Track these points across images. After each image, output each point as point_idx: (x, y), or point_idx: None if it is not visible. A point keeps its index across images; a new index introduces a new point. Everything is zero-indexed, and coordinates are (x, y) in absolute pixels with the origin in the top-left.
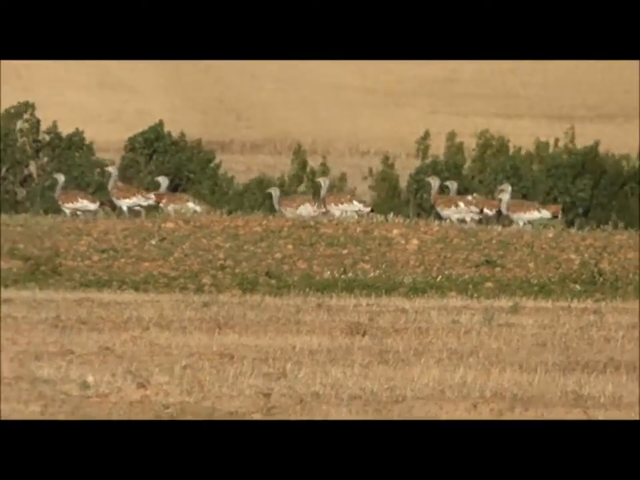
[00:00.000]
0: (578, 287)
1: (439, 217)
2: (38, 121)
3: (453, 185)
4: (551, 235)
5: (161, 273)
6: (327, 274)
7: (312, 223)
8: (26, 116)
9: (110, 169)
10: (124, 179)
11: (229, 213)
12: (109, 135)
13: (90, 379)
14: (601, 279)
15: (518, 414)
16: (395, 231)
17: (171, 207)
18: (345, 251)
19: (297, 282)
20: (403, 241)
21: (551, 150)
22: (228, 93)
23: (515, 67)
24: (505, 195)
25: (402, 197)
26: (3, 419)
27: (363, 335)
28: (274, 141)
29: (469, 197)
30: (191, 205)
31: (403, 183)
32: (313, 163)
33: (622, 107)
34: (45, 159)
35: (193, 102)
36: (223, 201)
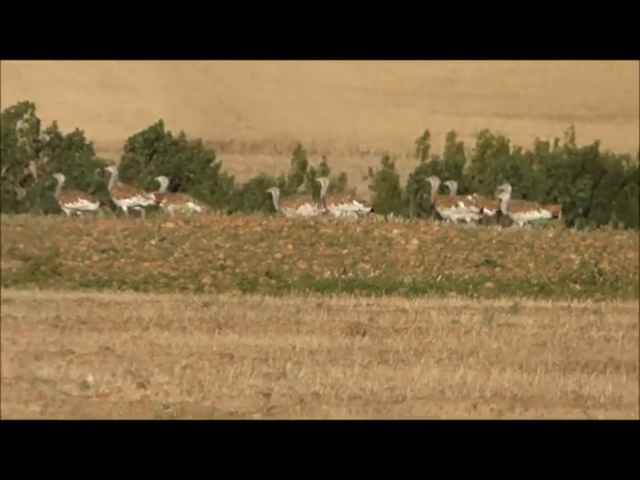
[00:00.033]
0: (578, 287)
1: (439, 217)
2: (38, 121)
3: (452, 185)
4: (550, 235)
5: (161, 273)
6: (327, 274)
7: (312, 223)
8: (26, 116)
9: (110, 169)
10: (124, 179)
11: (229, 213)
12: (109, 134)
13: (90, 379)
14: (601, 279)
15: (518, 414)
16: (395, 231)
17: (171, 207)
18: (345, 251)
19: (297, 282)
20: (402, 241)
21: (551, 150)
22: (228, 93)
23: (515, 67)
24: (505, 195)
25: (402, 197)
26: (3, 419)
27: (363, 335)
28: (274, 141)
29: (469, 197)
30: (190, 204)
31: (403, 183)
32: (313, 163)
33: (622, 107)
34: (45, 159)
35: (193, 102)
36: (223, 200)
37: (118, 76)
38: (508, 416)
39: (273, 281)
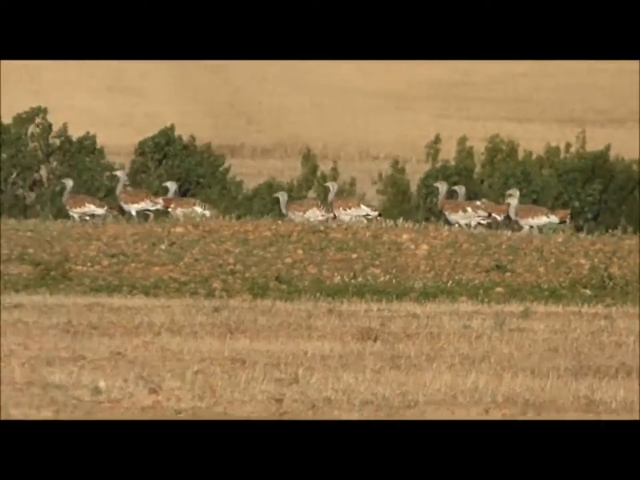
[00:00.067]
0: (588, 291)
1: (448, 221)
2: (49, 126)
3: (461, 190)
4: (560, 240)
5: (172, 277)
6: (338, 279)
7: (321, 228)
8: (37, 120)
9: (118, 173)
10: (134, 183)
11: (239, 217)
12: (119, 138)
13: (102, 384)
14: (611, 284)
15: (530, 419)
16: (405, 236)
17: (178, 211)
18: (355, 256)
19: (307, 287)
20: (412, 246)
21: (562, 155)
22: (238, 96)
23: (526, 71)
24: (513, 199)
25: (412, 201)
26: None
27: (375, 340)
28: (284, 145)
29: (477, 202)
30: (198, 209)
31: (413, 188)
32: (324, 167)
33: (632, 111)
34: (55, 163)
35: (203, 106)
36: (232, 205)
37: (129, 80)
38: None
39: (284, 286)
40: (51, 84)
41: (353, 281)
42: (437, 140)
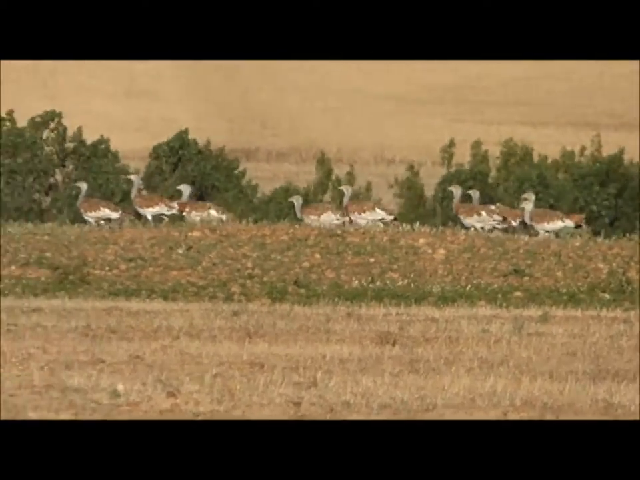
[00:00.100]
0: (607, 295)
1: (463, 226)
2: (64, 130)
3: (475, 194)
4: (577, 244)
5: (190, 281)
6: (356, 283)
7: (339, 232)
8: (52, 124)
9: (132, 177)
10: (149, 187)
11: (255, 221)
12: (134, 143)
13: (120, 387)
14: (630, 288)
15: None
16: (422, 240)
17: (193, 215)
18: (372, 260)
19: (325, 291)
20: (429, 250)
21: (577, 158)
22: (253, 100)
23: (540, 74)
24: (528, 204)
25: (427, 205)
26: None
27: (393, 344)
28: (299, 149)
29: (492, 206)
30: (213, 212)
31: (428, 192)
32: (339, 171)
33: None
34: (70, 167)
35: (218, 110)
36: (248, 209)
37: (144, 84)
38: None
39: (302, 290)
40: (66, 88)
41: (371, 285)
42: (452, 144)
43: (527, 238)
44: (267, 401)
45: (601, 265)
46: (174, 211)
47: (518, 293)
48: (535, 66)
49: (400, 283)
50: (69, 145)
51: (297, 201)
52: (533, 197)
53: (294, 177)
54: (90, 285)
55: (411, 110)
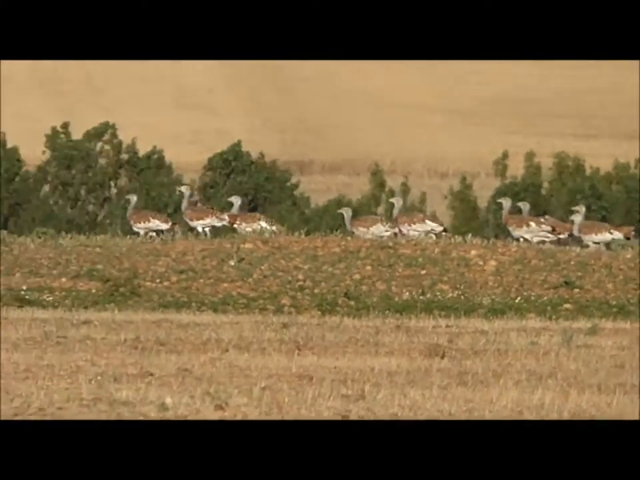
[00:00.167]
0: None
1: (513, 237)
2: (120, 142)
3: (525, 206)
4: (629, 256)
5: (240, 293)
6: (406, 295)
7: (390, 244)
8: (106, 136)
9: (183, 189)
10: (203, 199)
11: (307, 233)
12: (189, 155)
13: (168, 400)
14: None
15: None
16: (473, 252)
17: (243, 226)
18: (424, 272)
19: (375, 303)
20: (480, 262)
21: (631, 170)
22: (307, 113)
23: (593, 87)
24: (577, 216)
25: (480, 217)
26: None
27: (442, 357)
28: (353, 162)
29: (541, 218)
30: (263, 224)
31: (482, 203)
32: (393, 183)
33: None
34: (124, 179)
35: (272, 122)
36: (300, 221)
37: (197, 96)
38: None
39: (352, 302)
40: (120, 100)
41: (421, 297)
42: (505, 156)
43: (578, 250)
44: (315, 413)
45: None
46: (224, 223)
47: (568, 305)
48: (587, 79)
49: (450, 294)
50: (124, 156)
51: (346, 213)
52: (583, 210)
53: (347, 189)
54: (140, 297)
55: (464, 122)
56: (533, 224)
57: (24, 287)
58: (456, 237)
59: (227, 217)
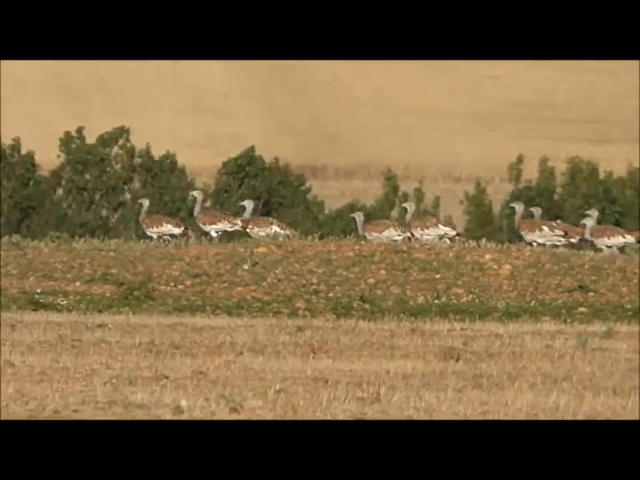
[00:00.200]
0: None
1: (525, 241)
2: (133, 147)
3: (537, 211)
4: None
5: (254, 297)
6: (421, 299)
7: (404, 248)
8: (121, 141)
9: (195, 193)
10: (217, 203)
11: (321, 237)
12: (203, 160)
13: (183, 403)
14: None
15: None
16: (487, 256)
17: (256, 230)
18: (438, 276)
19: (390, 307)
20: (495, 266)
21: None
22: (321, 117)
23: (608, 91)
24: (589, 220)
25: (494, 221)
26: None
27: (457, 360)
28: (367, 166)
29: (553, 223)
30: (275, 228)
31: (496, 208)
32: (406, 188)
33: None
34: (138, 184)
35: (285, 127)
36: (314, 225)
37: (211, 101)
38: None
39: (367, 306)
40: (134, 105)
41: (436, 301)
42: (519, 161)
43: (591, 254)
44: (331, 416)
45: None
46: (237, 227)
47: (582, 309)
48: (601, 83)
49: (465, 298)
50: (137, 160)
51: (358, 217)
52: (596, 214)
53: (361, 194)
54: (155, 300)
55: (478, 127)
56: (545, 228)
57: (38, 291)
58: (470, 241)
59: (239, 222)
